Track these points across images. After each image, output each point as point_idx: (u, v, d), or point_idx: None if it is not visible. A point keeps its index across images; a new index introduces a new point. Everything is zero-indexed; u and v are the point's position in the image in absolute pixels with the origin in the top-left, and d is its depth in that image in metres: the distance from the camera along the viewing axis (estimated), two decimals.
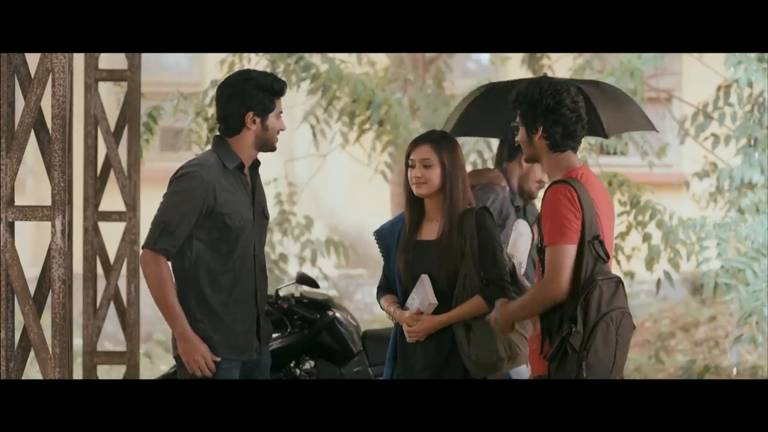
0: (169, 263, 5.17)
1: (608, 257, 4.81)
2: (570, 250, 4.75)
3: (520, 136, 4.98)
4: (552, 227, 4.77)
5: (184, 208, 5.12)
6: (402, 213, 5.43)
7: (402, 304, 5.34)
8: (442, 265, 5.23)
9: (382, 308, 5.45)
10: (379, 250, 5.47)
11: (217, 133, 5.35)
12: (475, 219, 5.23)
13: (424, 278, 5.25)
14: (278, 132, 5.32)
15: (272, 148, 5.34)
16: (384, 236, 5.46)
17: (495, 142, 9.97)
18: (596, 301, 4.70)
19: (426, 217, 5.34)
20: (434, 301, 5.21)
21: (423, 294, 5.23)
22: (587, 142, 9.42)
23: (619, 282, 4.80)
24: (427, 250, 5.27)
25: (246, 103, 5.22)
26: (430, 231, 5.31)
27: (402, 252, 5.34)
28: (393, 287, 5.41)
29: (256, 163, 5.38)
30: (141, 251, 5.17)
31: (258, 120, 5.24)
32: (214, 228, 5.17)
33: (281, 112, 5.31)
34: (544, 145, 4.92)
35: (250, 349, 5.29)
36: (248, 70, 5.37)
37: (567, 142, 4.92)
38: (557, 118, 4.88)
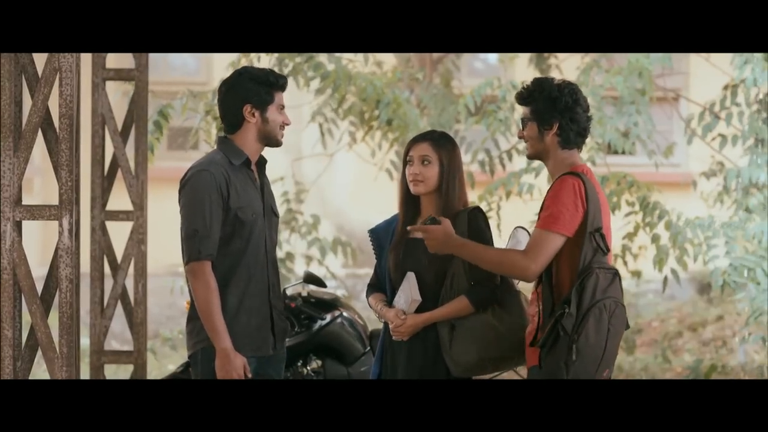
0: None
1: (608, 250, 4.90)
2: (556, 240, 4.85)
3: (529, 131, 5.07)
4: (550, 214, 4.87)
5: (207, 206, 5.11)
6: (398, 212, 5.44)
7: (390, 302, 5.34)
8: (430, 263, 5.21)
9: (370, 306, 5.46)
10: (373, 248, 5.47)
11: (221, 134, 5.37)
12: (467, 219, 5.22)
13: (410, 275, 5.25)
14: (282, 126, 5.31)
15: (276, 143, 5.33)
16: (378, 234, 5.47)
17: (502, 140, 9.99)
18: (591, 287, 4.78)
19: (421, 215, 5.34)
20: (418, 298, 5.21)
21: (407, 291, 5.23)
22: (594, 141, 9.42)
23: (616, 274, 4.88)
24: (417, 249, 5.25)
25: (241, 95, 5.23)
26: None
27: (393, 249, 5.34)
28: (383, 285, 5.41)
29: (263, 161, 5.38)
30: (185, 267, 5.14)
31: (257, 113, 5.25)
32: (227, 224, 5.17)
33: (283, 107, 5.32)
34: (556, 142, 5.03)
35: (265, 345, 5.29)
36: (243, 67, 5.39)
37: (578, 140, 5.05)
38: (573, 116, 5.00)
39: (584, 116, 5.03)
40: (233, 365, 5.08)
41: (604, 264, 4.87)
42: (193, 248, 5.11)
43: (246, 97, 5.23)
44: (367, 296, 5.49)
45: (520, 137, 5.16)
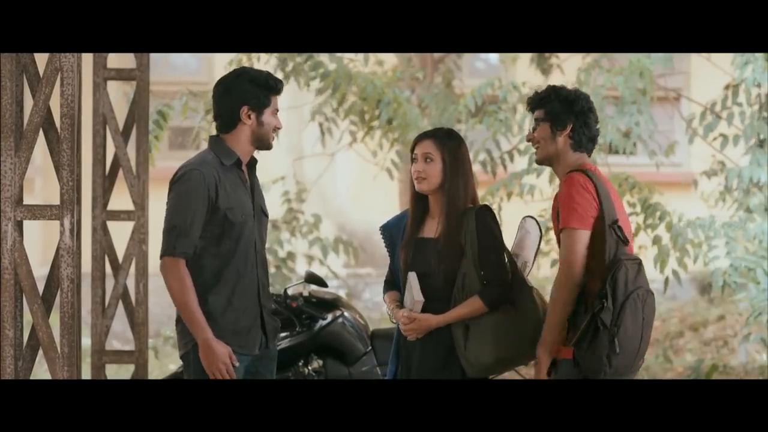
0: None
1: (628, 241, 4.97)
2: (582, 235, 4.91)
3: (541, 132, 5.14)
4: (566, 212, 4.93)
5: (191, 206, 5.12)
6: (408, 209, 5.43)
7: (402, 301, 5.35)
8: (439, 263, 5.21)
9: (384, 302, 5.47)
10: (384, 244, 5.47)
11: (213, 133, 5.38)
12: (475, 217, 5.21)
13: (411, 276, 5.24)
14: (274, 130, 5.32)
15: (268, 146, 5.34)
16: (389, 230, 5.45)
17: (503, 141, 9.99)
18: (623, 279, 4.84)
19: (429, 214, 5.33)
20: (420, 298, 5.20)
21: (410, 292, 5.23)
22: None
23: (640, 263, 4.94)
24: (426, 248, 5.26)
25: (240, 97, 5.24)
26: (431, 228, 5.29)
27: (403, 248, 5.33)
28: (398, 281, 5.40)
29: (253, 162, 5.39)
30: (160, 261, 5.16)
31: (253, 115, 5.25)
32: (215, 224, 5.17)
33: (277, 110, 5.33)
34: (568, 144, 5.11)
35: (254, 344, 5.29)
36: (242, 67, 5.40)
37: (589, 144, 5.14)
38: (587, 120, 5.11)
39: (595, 125, 5.14)
40: (216, 354, 5.09)
41: (628, 255, 4.94)
42: (168, 243, 5.13)
43: (244, 99, 5.24)
44: (384, 293, 5.50)
45: (529, 140, 5.20)
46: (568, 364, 4.92)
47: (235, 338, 5.19)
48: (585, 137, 5.09)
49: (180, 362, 8.71)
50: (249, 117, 5.25)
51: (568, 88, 5.17)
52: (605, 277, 4.83)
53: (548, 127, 5.10)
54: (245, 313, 5.24)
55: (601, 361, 4.80)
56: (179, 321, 5.26)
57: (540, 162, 5.21)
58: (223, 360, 5.10)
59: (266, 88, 5.26)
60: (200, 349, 5.11)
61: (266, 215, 5.45)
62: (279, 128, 5.35)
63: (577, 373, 4.87)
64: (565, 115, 5.07)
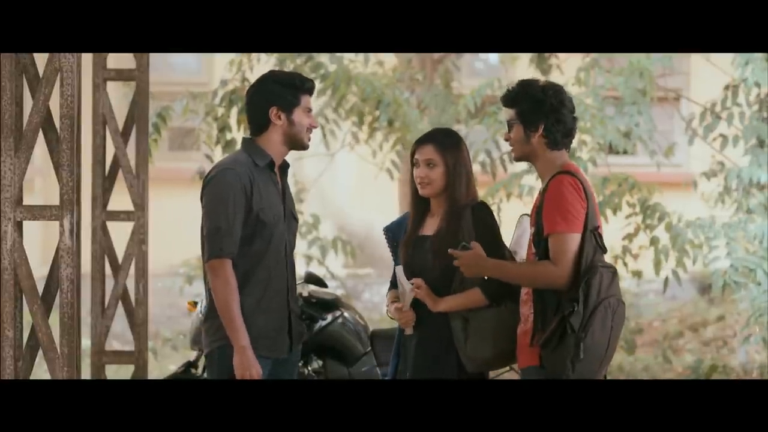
0: None
1: (605, 249, 4.95)
2: (575, 239, 4.87)
3: (516, 134, 5.08)
4: (559, 215, 4.88)
5: (231, 205, 5.14)
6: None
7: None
8: (436, 259, 5.23)
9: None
10: (388, 246, 5.50)
11: (213, 135, 5.40)
12: (472, 213, 5.24)
13: (397, 270, 5.31)
14: (309, 129, 5.34)
15: (302, 146, 5.36)
16: (392, 231, 5.51)
17: (503, 142, 9.97)
18: (597, 286, 4.81)
19: (430, 212, 5.37)
20: (408, 287, 5.25)
21: (401, 286, 5.29)
22: (596, 141, 9.41)
23: (615, 272, 4.92)
24: (425, 244, 5.30)
25: (267, 98, 5.27)
26: (431, 226, 5.34)
27: (403, 246, 5.38)
28: None
29: (285, 165, 5.41)
30: (206, 264, 5.17)
31: (283, 115, 5.27)
32: (248, 224, 5.19)
33: (311, 110, 5.34)
34: (543, 144, 5.05)
35: (282, 347, 5.31)
36: (271, 71, 5.44)
37: (565, 140, 5.06)
38: (559, 117, 5.01)
39: (570, 117, 5.05)
40: (251, 362, 5.10)
41: (604, 262, 4.91)
42: (215, 245, 5.13)
43: (271, 100, 5.26)
44: (387, 293, 5.56)
45: (506, 140, 5.17)
46: (533, 370, 4.93)
47: (262, 341, 5.20)
48: (560, 134, 5.01)
49: (179, 363, 8.72)
50: (279, 117, 5.27)
51: (537, 83, 5.07)
52: (579, 282, 4.81)
53: (521, 129, 5.04)
54: (274, 316, 5.26)
55: (565, 364, 4.79)
56: (207, 318, 5.28)
57: (517, 160, 5.19)
58: (257, 369, 5.11)
59: (293, 87, 5.29)
60: (236, 354, 5.11)
61: (296, 220, 5.48)
62: (314, 127, 5.36)
63: (547, 374, 4.87)
64: (535, 116, 5.00)
